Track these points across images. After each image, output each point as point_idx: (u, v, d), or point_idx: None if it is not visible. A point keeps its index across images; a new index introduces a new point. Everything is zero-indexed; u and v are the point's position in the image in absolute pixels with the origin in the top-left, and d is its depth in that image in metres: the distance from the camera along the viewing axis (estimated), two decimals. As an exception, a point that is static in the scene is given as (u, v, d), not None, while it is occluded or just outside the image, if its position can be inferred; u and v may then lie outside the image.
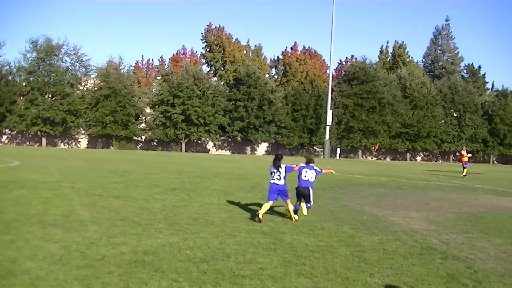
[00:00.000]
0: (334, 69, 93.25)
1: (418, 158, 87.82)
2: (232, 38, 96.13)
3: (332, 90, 75.25)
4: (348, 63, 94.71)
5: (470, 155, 41.52)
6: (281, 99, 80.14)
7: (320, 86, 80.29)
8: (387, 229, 13.08)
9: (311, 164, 14.52)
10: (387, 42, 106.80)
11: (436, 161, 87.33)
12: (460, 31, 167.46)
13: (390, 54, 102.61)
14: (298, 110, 77.62)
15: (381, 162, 71.21)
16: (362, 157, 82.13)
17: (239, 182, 24.48)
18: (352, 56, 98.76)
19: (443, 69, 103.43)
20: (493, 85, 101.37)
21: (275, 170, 13.74)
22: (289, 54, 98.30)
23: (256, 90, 75.44)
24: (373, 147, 79.32)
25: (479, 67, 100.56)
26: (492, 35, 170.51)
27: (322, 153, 73.92)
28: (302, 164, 14.47)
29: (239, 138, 78.85)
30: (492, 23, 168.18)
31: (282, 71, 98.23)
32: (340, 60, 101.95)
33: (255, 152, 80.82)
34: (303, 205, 14.43)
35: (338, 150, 76.68)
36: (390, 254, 10.15)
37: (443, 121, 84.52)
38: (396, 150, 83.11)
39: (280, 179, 13.69)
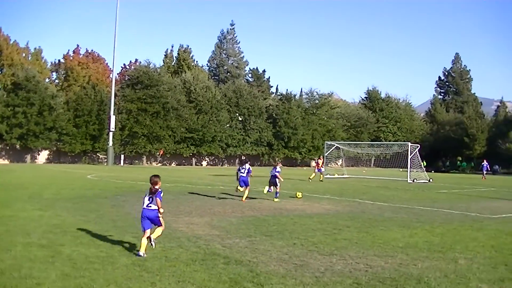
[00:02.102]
0: (117, 73, 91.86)
1: (204, 163, 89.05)
2: (10, 39, 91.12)
3: (116, 95, 74.30)
4: (132, 67, 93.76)
5: (321, 162, 45.35)
6: (63, 105, 77.00)
7: (103, 91, 78.60)
8: (169, 236, 12.96)
9: (276, 167, 25.52)
10: (172, 46, 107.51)
11: (222, 165, 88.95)
12: (245, 36, 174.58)
13: (175, 58, 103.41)
14: (80, 116, 75.16)
15: (166, 168, 71.55)
16: (147, 163, 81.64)
17: (17, 192, 23.41)
18: (136, 60, 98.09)
19: (228, 73, 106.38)
20: (277, 89, 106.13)
21: (241, 168, 23.62)
22: (71, 58, 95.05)
23: (36, 95, 71.96)
24: (158, 153, 79.36)
25: (264, 71, 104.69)
26: (276, 40, 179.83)
27: (106, 160, 72.62)
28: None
29: (18, 146, 74.72)
30: (276, 29, 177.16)
31: (64, 75, 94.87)
32: (124, 64, 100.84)
33: (36, 160, 77.02)
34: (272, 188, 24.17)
35: (122, 156, 75.82)
36: (172, 262, 10.08)
37: (228, 125, 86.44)
38: (181, 155, 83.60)
39: (244, 173, 23.27)
